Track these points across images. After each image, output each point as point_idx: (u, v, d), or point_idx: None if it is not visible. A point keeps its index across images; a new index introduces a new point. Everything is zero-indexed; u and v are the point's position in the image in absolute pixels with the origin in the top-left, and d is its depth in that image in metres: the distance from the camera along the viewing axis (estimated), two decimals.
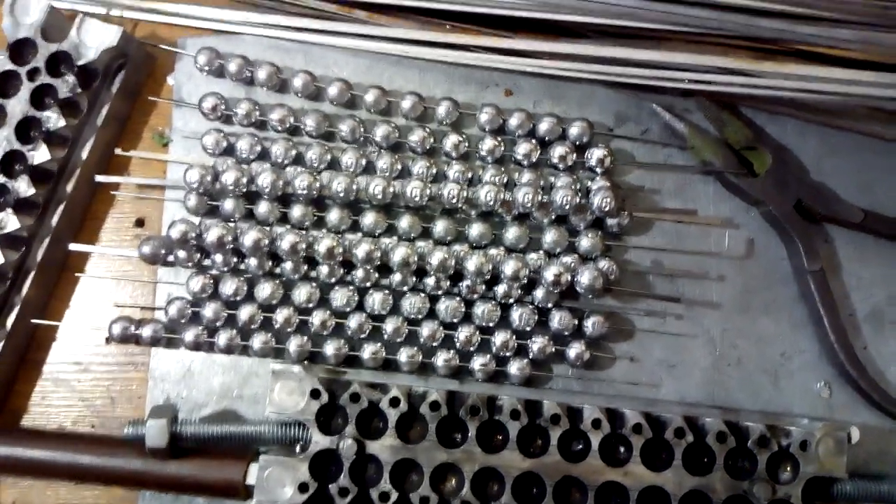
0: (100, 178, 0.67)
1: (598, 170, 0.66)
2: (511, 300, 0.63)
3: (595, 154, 0.65)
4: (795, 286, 0.66)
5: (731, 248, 0.66)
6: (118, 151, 0.67)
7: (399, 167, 0.65)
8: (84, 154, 0.66)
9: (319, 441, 0.59)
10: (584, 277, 0.61)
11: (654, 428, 0.60)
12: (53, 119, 0.64)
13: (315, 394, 0.59)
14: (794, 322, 0.66)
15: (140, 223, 0.68)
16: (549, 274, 0.61)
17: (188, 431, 0.61)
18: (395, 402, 0.59)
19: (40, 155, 0.64)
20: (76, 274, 0.67)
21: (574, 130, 0.66)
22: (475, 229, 0.63)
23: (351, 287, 0.64)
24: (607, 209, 0.62)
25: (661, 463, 0.59)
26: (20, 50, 0.65)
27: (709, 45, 0.66)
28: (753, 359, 0.66)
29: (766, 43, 0.65)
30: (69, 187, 0.66)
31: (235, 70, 0.67)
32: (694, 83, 0.65)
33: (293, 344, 0.63)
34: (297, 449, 0.60)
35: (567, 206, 0.62)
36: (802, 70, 0.64)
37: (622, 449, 0.60)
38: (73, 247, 0.66)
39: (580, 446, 0.60)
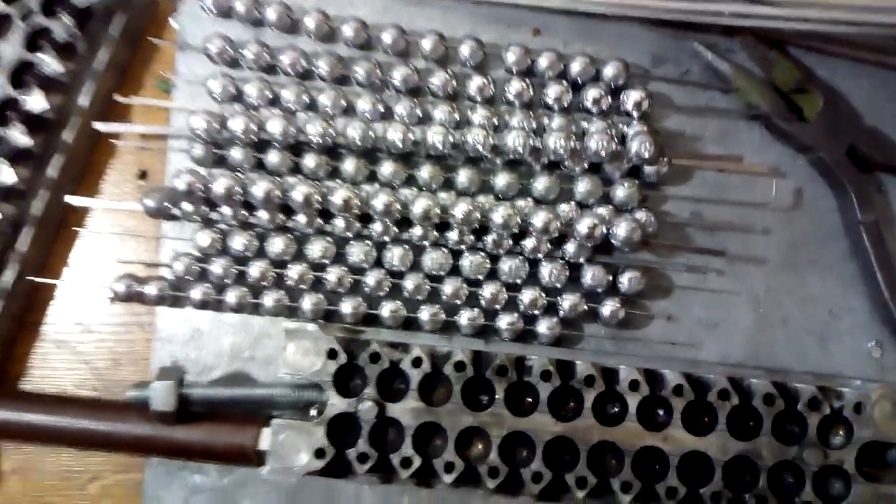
0: (99, 126, 0.62)
1: (635, 114, 0.61)
2: (540, 255, 0.59)
3: (631, 97, 0.60)
4: (846, 240, 0.62)
5: (777, 199, 0.62)
6: (118, 99, 0.62)
7: (419, 113, 0.60)
8: (83, 101, 0.62)
9: (337, 404, 0.55)
10: (621, 229, 0.57)
11: (696, 390, 0.56)
12: (49, 63, 0.60)
13: (332, 354, 0.56)
14: (844, 279, 0.62)
15: (143, 175, 0.64)
16: (583, 226, 0.57)
17: (196, 394, 0.58)
18: (417, 363, 0.56)
19: (36, 102, 0.60)
20: (76, 229, 0.63)
21: (608, 71, 0.61)
22: (501, 179, 0.59)
23: (369, 242, 0.60)
24: (646, 156, 0.58)
25: (703, 427, 0.56)
26: None
27: None
28: (800, 318, 0.62)
29: None
30: (67, 137, 0.62)
31: (243, 10, 0.62)
32: (736, 17, 0.60)
33: (307, 302, 0.59)
34: (313, 412, 0.56)
35: (602, 153, 0.57)
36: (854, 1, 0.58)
37: (661, 412, 0.56)
38: (71, 200, 0.61)
39: (616, 409, 0.57)
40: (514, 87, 0.61)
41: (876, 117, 0.63)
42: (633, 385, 0.55)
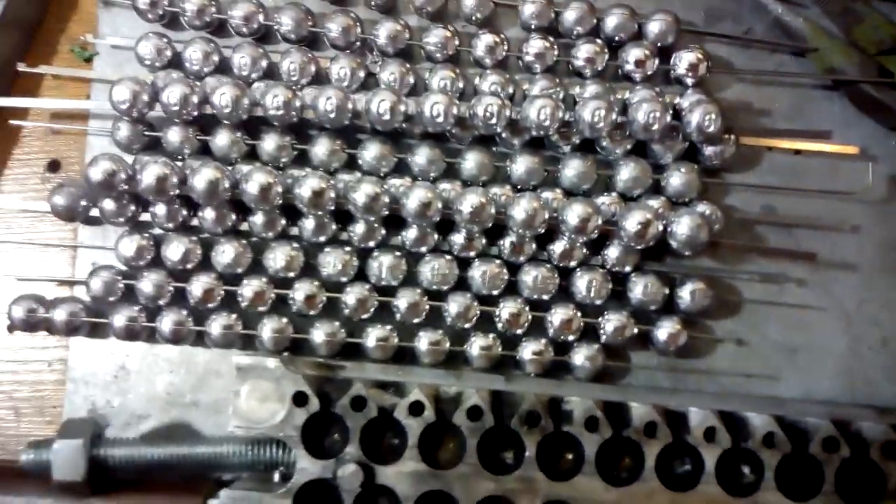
0: None
1: (690, 80, 0.50)
2: (574, 262, 0.49)
3: (685, 58, 0.50)
4: None
5: (867, 188, 0.51)
6: (22, 68, 0.52)
7: (412, 80, 0.51)
8: None
9: (308, 467, 0.45)
10: (682, 227, 0.46)
11: (791, 438, 0.45)
12: None
13: (300, 399, 0.45)
14: None
15: (54, 167, 0.54)
16: (632, 222, 0.46)
17: (117, 456, 0.47)
18: (417, 409, 0.45)
19: None
20: None
21: (654, 27, 0.50)
22: (521, 165, 0.49)
23: (348, 248, 0.49)
24: (711, 129, 0.47)
25: (804, 488, 0.45)
26: None
27: None
28: None
29: None
30: None
31: None
32: None
33: (267, 329, 0.49)
34: (276, 477, 0.46)
35: (654, 126, 0.46)
36: None
37: (747, 470, 0.46)
38: None
39: (687, 467, 0.46)
40: (535, 46, 0.51)
41: None
42: (710, 434, 0.44)
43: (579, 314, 0.48)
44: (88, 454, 0.45)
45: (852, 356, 0.51)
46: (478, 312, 0.49)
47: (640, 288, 0.48)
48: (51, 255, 0.52)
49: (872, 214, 0.52)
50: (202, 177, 0.46)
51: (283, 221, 0.49)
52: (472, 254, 0.49)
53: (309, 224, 0.49)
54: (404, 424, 0.44)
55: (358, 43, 0.51)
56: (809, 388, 0.50)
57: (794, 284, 0.51)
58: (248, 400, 0.44)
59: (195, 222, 0.50)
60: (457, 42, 0.50)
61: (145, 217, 0.50)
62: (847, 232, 0.51)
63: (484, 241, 0.49)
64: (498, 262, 0.49)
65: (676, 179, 0.48)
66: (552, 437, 0.45)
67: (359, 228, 0.48)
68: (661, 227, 0.46)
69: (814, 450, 0.44)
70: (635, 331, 0.48)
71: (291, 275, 0.49)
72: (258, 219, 0.49)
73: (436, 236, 0.49)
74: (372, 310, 0.49)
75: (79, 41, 0.54)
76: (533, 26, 0.50)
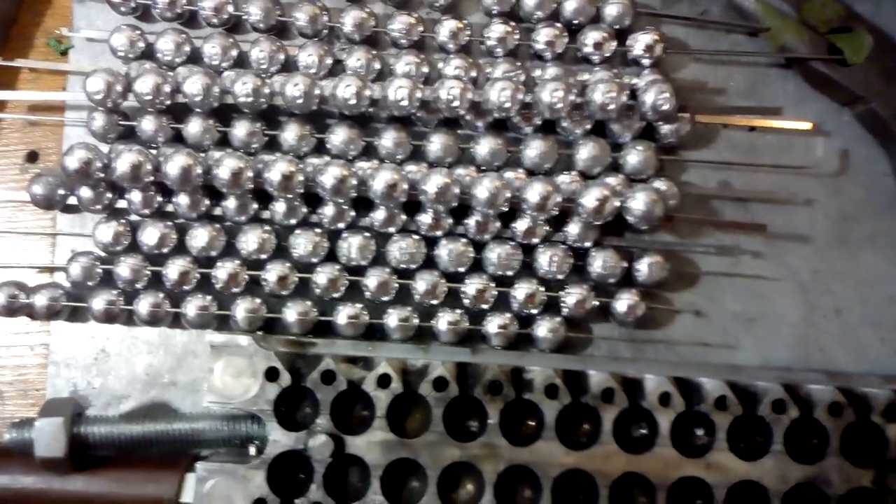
0: None
1: (646, 62, 0.51)
2: (536, 239, 0.49)
3: (641, 40, 0.50)
4: None
5: (820, 162, 0.52)
6: None
7: (377, 66, 0.51)
8: None
9: (280, 439, 0.45)
10: (638, 202, 0.46)
11: (743, 402, 0.45)
12: None
13: (272, 374, 0.45)
14: None
15: (32, 157, 0.54)
16: (590, 199, 0.46)
17: (98, 433, 0.47)
18: (384, 382, 0.45)
19: None
20: None
21: (611, 10, 0.51)
22: (485, 146, 0.49)
23: (318, 230, 0.50)
24: (666, 108, 0.48)
25: (754, 449, 0.46)
26: None
27: None
28: (855, 307, 0.52)
29: None
30: None
31: None
32: None
33: (241, 309, 0.49)
34: (251, 451, 0.46)
35: (611, 107, 0.47)
36: None
37: (700, 432, 0.46)
38: None
39: (643, 431, 0.47)
40: (496, 31, 0.51)
41: None
42: (664, 399, 0.45)
43: (542, 288, 0.48)
44: (70, 432, 0.45)
45: (807, 325, 0.51)
46: (445, 289, 0.49)
47: (599, 262, 0.48)
48: (31, 243, 0.52)
49: (825, 188, 0.52)
50: (175, 163, 0.46)
51: (255, 205, 0.49)
52: (439, 233, 0.49)
53: (280, 207, 0.49)
54: (372, 396, 0.45)
55: (325, 31, 0.50)
56: (766, 356, 0.51)
57: (750, 256, 0.51)
58: (223, 376, 0.45)
59: (170, 208, 0.49)
60: (421, 28, 0.50)
61: (122, 204, 0.50)
62: (801, 205, 0.51)
63: (450, 220, 0.49)
64: (463, 240, 0.49)
65: (634, 157, 0.49)
66: (514, 404, 0.45)
67: (328, 210, 0.49)
68: (617, 204, 0.46)
69: (763, 411, 0.44)
70: (596, 303, 0.49)
71: (264, 257, 0.49)
72: (230, 203, 0.49)
73: (403, 217, 0.49)
74: (342, 289, 0.49)
75: (54, 34, 0.53)
76: (494, 11, 0.50)
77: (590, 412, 0.45)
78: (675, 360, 0.50)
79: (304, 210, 0.49)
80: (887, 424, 0.45)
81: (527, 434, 0.46)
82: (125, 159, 0.46)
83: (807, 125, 0.51)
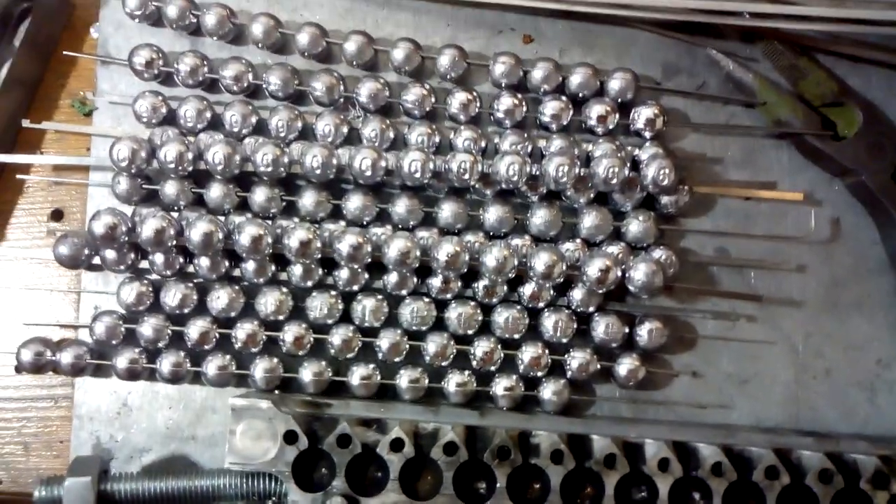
0: (2, 158, 0.53)
1: (647, 134, 0.53)
2: (542, 304, 0.51)
3: (643, 114, 0.53)
4: (893, 278, 0.54)
5: (813, 230, 0.54)
6: (26, 124, 0.53)
7: (391, 135, 0.52)
8: None
9: (298, 500, 0.46)
10: (639, 273, 0.48)
11: (738, 467, 0.47)
12: None
13: (290, 437, 0.46)
14: (893, 322, 0.54)
15: (57, 216, 0.55)
16: (593, 269, 0.48)
17: (124, 490, 0.48)
18: (397, 446, 0.47)
19: None
20: None
21: (615, 84, 0.53)
22: (493, 213, 0.51)
23: (333, 292, 0.51)
24: (665, 183, 0.49)
25: None
26: None
27: None
28: (844, 369, 0.54)
29: None
30: None
31: (177, 15, 0.53)
32: (758, 18, 0.52)
33: (259, 368, 0.50)
34: None
35: (613, 181, 0.49)
36: None
37: (697, 496, 0.48)
38: None
39: (643, 494, 0.48)
40: (505, 103, 0.52)
41: None
42: (664, 464, 0.46)
43: (547, 352, 0.50)
44: (97, 490, 0.46)
45: (798, 385, 0.53)
46: (454, 351, 0.50)
47: (602, 327, 0.50)
48: (55, 300, 0.53)
49: (817, 255, 0.54)
50: (198, 230, 0.47)
51: (273, 268, 0.51)
52: (449, 296, 0.51)
53: (297, 270, 0.50)
54: (386, 459, 0.46)
55: (341, 100, 0.52)
56: (759, 415, 0.52)
57: (745, 320, 0.53)
58: (243, 438, 0.46)
59: (191, 269, 0.51)
60: (433, 99, 0.52)
61: (144, 264, 0.51)
62: (794, 271, 0.53)
63: (459, 284, 0.51)
64: (472, 303, 0.50)
65: (635, 227, 0.51)
66: (521, 468, 0.46)
67: (343, 274, 0.50)
68: (619, 273, 0.48)
69: (757, 477, 0.46)
70: (598, 367, 0.50)
71: (281, 318, 0.50)
72: (250, 266, 0.50)
73: (415, 280, 0.51)
74: (356, 349, 0.50)
75: (79, 97, 0.54)
76: (503, 84, 0.52)
77: (593, 476, 0.47)
78: (674, 419, 0.52)
79: (321, 272, 0.51)
80: (875, 492, 0.46)
81: (532, 497, 0.48)
82: (150, 225, 0.47)
83: (798, 196, 0.53)
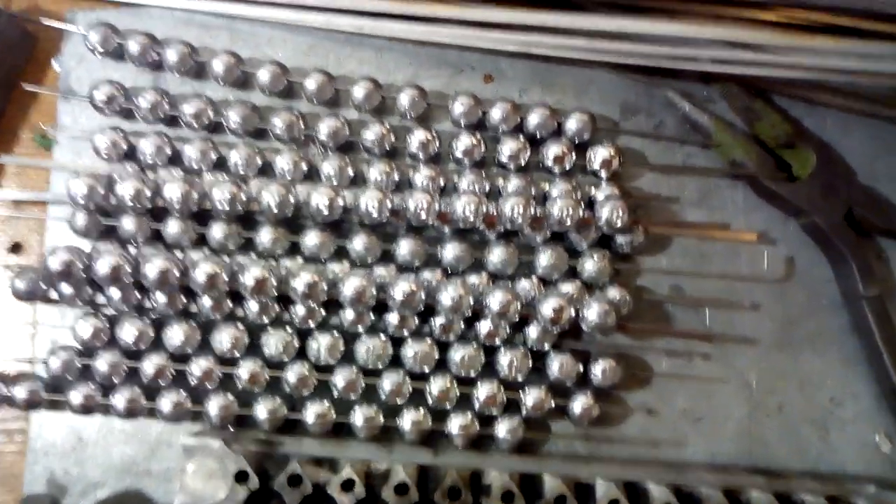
0: None
1: (604, 174, 0.53)
2: (497, 342, 0.51)
3: (599, 154, 0.53)
4: (846, 315, 0.55)
5: (766, 270, 0.55)
6: None
7: (351, 173, 0.53)
8: None
9: None
10: (592, 313, 0.48)
11: None
12: None
13: (241, 476, 0.46)
14: (846, 359, 0.55)
15: (15, 249, 0.55)
16: (547, 308, 0.48)
17: None
18: (348, 486, 0.47)
19: None
20: None
21: (572, 125, 0.53)
22: (450, 251, 0.51)
23: (289, 329, 0.51)
24: (619, 224, 0.50)
25: None
26: None
27: (733, 18, 0.53)
28: (797, 406, 0.54)
29: (806, 10, 0.51)
30: None
31: (138, 51, 0.53)
32: (716, 63, 0.52)
33: (214, 405, 0.50)
34: None
35: (568, 221, 0.49)
36: (846, 46, 0.51)
37: None
38: None
39: None
40: (463, 142, 0.53)
41: (870, 174, 0.56)
42: None
43: (503, 389, 0.50)
44: None
45: (752, 422, 0.53)
46: (410, 389, 0.50)
47: (556, 365, 0.50)
48: (11, 334, 0.52)
49: (771, 293, 0.54)
50: (154, 266, 0.47)
51: (229, 304, 0.50)
52: (405, 333, 0.51)
53: (253, 307, 0.50)
54: (337, 500, 0.46)
55: (301, 137, 0.52)
56: (713, 451, 0.53)
57: (700, 358, 0.53)
58: (194, 478, 0.46)
59: (147, 305, 0.50)
60: (393, 138, 0.52)
61: (101, 299, 0.51)
62: (748, 309, 0.54)
63: (416, 321, 0.51)
64: (428, 341, 0.50)
65: (590, 265, 0.51)
66: None
67: (299, 311, 0.50)
68: (573, 313, 0.48)
69: None
70: (553, 404, 0.50)
71: (237, 354, 0.50)
72: (206, 302, 0.50)
73: (371, 318, 0.51)
74: (312, 387, 0.50)
75: (39, 131, 0.54)
76: (462, 123, 0.53)
77: None
78: (629, 457, 0.52)
79: (277, 309, 0.51)
80: None
81: None
82: (107, 261, 0.47)
83: (752, 236, 0.54)
